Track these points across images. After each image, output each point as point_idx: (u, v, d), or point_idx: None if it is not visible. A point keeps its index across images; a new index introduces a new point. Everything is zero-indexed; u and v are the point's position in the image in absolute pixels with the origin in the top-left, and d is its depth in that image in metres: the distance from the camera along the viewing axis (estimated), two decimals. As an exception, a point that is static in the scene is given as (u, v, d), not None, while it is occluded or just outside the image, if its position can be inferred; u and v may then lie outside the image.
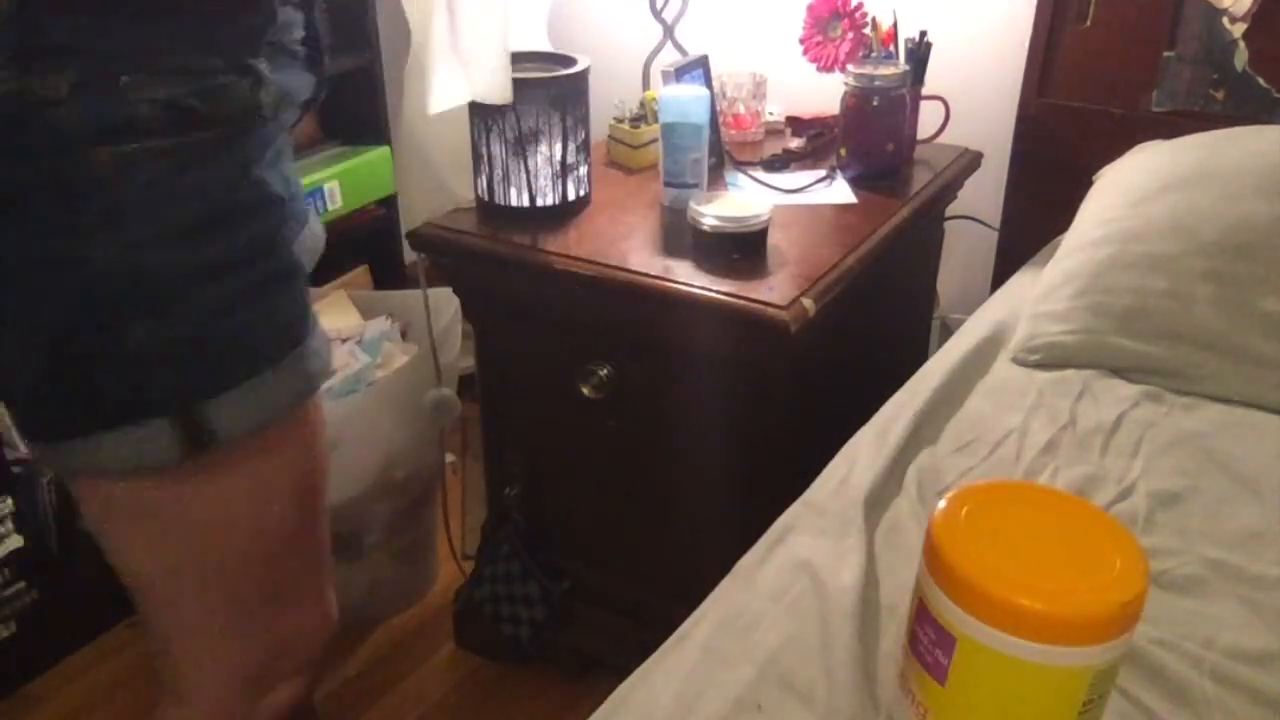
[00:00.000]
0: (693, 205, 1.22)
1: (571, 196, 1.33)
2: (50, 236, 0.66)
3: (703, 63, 1.50)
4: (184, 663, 0.90)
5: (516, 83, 1.22)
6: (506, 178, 1.29)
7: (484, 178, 1.31)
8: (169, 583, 0.84)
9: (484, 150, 1.28)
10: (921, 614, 0.62)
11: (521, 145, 1.26)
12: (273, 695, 0.91)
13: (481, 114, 1.25)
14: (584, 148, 1.32)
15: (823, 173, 1.48)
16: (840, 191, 1.44)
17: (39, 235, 0.66)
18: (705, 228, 1.20)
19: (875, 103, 1.42)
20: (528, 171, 1.28)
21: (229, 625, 0.87)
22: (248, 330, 0.73)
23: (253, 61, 0.72)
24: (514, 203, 1.31)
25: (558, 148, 1.28)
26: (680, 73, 1.43)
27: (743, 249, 1.21)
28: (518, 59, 1.27)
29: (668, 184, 1.35)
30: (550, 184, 1.31)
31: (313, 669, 0.95)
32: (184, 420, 0.72)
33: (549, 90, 1.24)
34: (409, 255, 1.47)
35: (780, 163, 1.52)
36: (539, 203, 1.31)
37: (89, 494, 0.80)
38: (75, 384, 0.70)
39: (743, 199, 1.30)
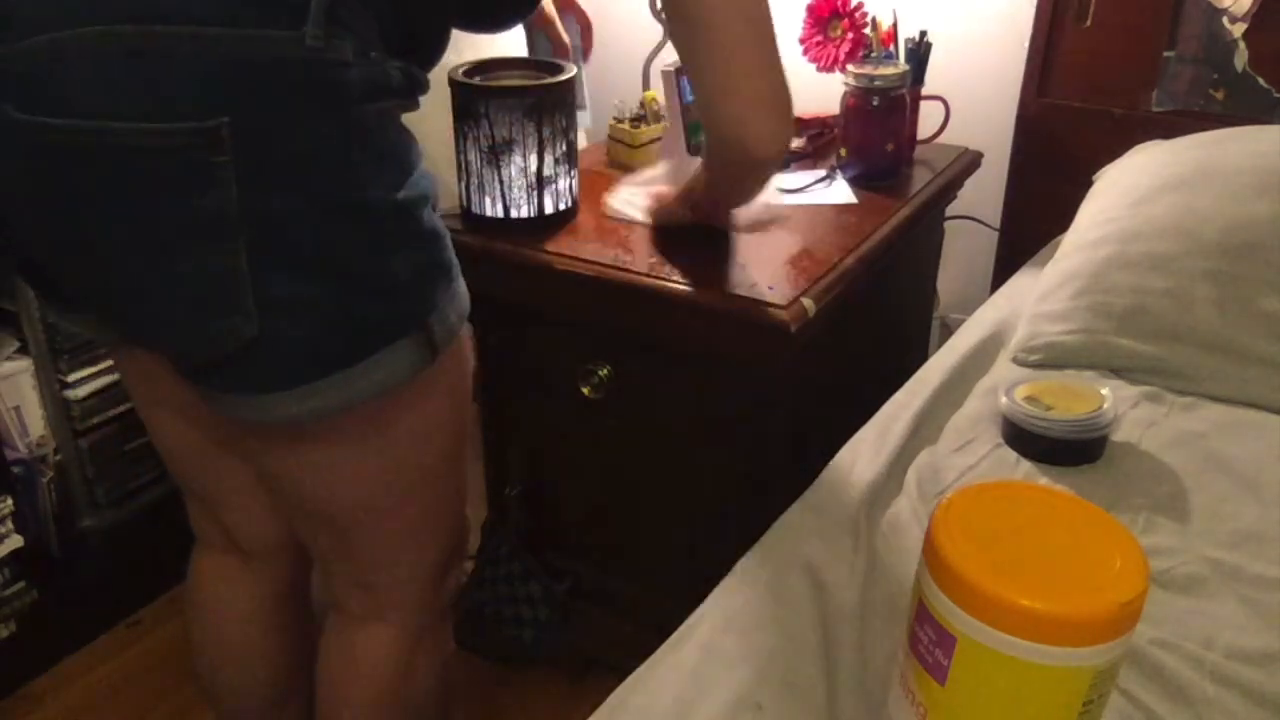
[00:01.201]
0: None
1: (549, 210, 1.28)
2: (339, 184, 0.75)
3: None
4: (383, 577, 1.00)
5: (489, 90, 1.20)
6: (482, 187, 1.26)
7: (463, 184, 1.29)
8: (381, 500, 0.93)
9: (462, 157, 1.26)
10: (921, 614, 0.62)
11: (495, 155, 1.22)
12: (449, 581, 1.06)
13: (460, 120, 1.23)
14: (566, 160, 1.27)
15: (823, 173, 1.48)
16: (840, 191, 1.44)
17: (331, 182, 0.74)
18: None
19: (875, 103, 1.42)
20: (501, 182, 1.24)
21: (426, 525, 0.98)
22: (447, 250, 0.85)
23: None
24: (489, 212, 1.27)
25: (533, 159, 1.23)
26: (680, 72, 1.43)
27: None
28: (503, 65, 1.26)
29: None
30: (525, 196, 1.26)
31: (465, 554, 1.09)
32: (423, 333, 0.82)
33: (523, 99, 1.19)
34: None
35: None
36: (513, 214, 1.27)
37: (295, 443, 0.87)
38: (350, 317, 0.78)
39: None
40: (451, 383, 0.92)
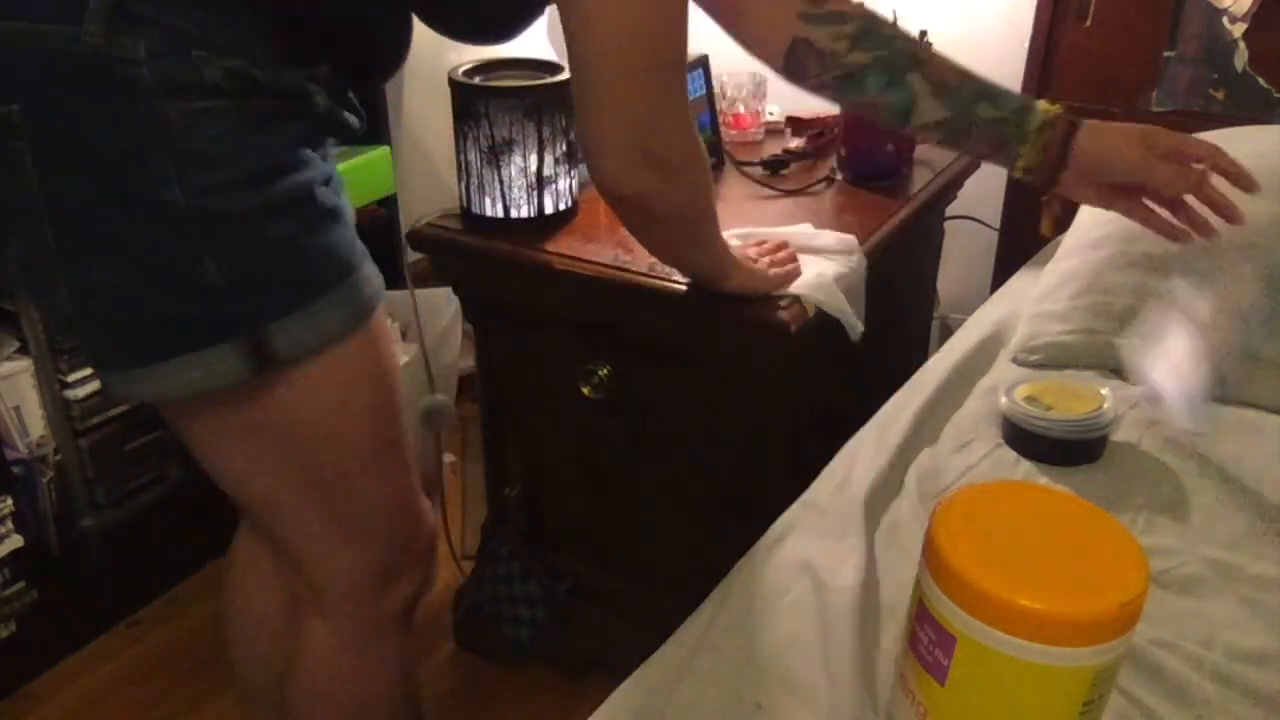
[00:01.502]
0: None
1: (549, 210, 1.28)
2: (130, 178, 0.74)
3: (703, 63, 1.50)
4: (313, 571, 1.00)
5: (489, 90, 1.20)
6: (482, 187, 1.26)
7: (464, 184, 1.29)
8: (272, 497, 0.94)
9: (462, 157, 1.26)
10: (921, 614, 0.62)
11: (495, 155, 1.22)
12: (394, 591, 1.04)
13: (460, 120, 1.24)
14: (566, 160, 1.27)
15: (823, 173, 1.48)
16: (840, 192, 1.44)
17: (120, 176, 0.75)
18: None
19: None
20: (501, 182, 1.25)
21: (347, 527, 0.97)
22: (302, 263, 0.82)
23: (311, 64, 0.82)
24: (489, 212, 1.27)
25: (533, 159, 1.23)
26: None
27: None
28: (503, 65, 1.26)
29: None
30: (525, 196, 1.26)
31: (426, 565, 1.07)
32: (250, 343, 0.80)
33: (523, 99, 1.19)
34: (410, 255, 1.47)
35: (780, 163, 1.52)
36: (513, 214, 1.27)
37: (178, 420, 0.90)
38: (154, 312, 0.79)
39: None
40: (342, 389, 0.89)
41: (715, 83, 1.54)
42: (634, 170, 0.89)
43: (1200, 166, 1.01)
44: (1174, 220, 1.04)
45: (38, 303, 0.80)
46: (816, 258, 1.22)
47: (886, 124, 1.04)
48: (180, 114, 0.74)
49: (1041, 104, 1.02)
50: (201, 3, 0.75)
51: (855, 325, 1.20)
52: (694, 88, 1.45)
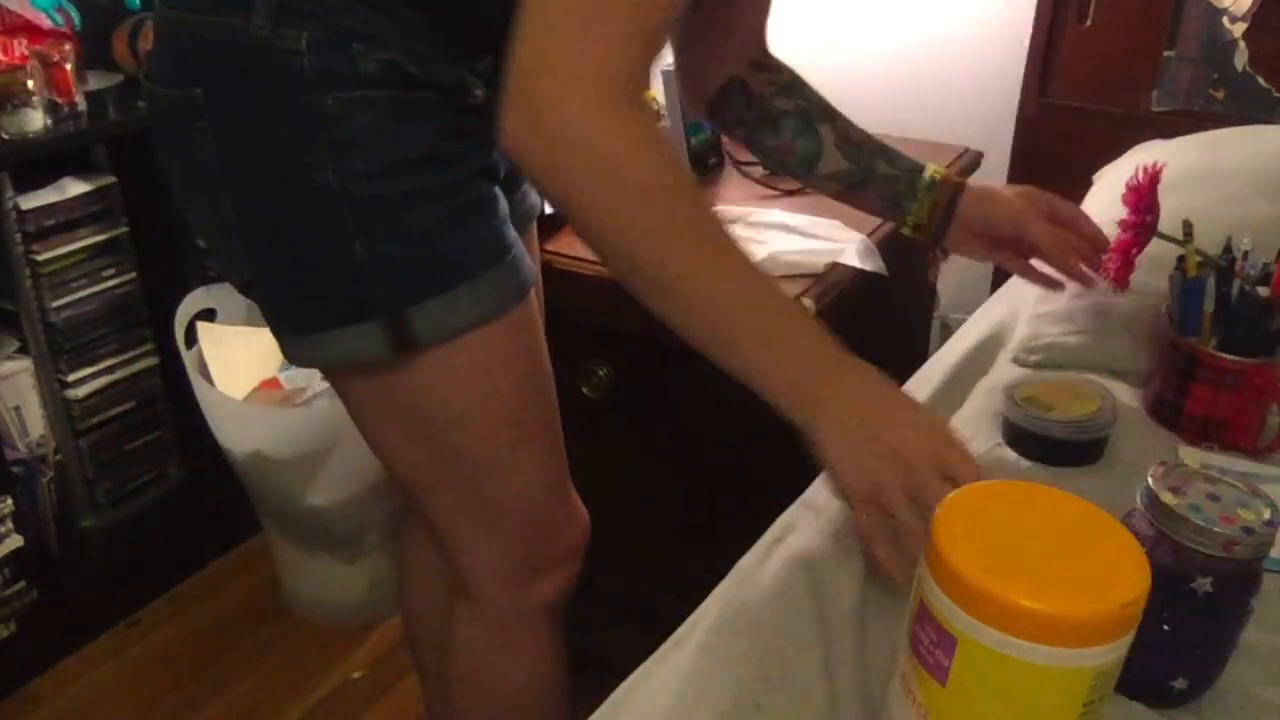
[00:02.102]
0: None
1: (550, 210, 1.27)
2: (289, 162, 0.79)
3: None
4: (460, 556, 1.01)
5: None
6: None
7: None
8: (414, 476, 0.97)
9: None
10: (922, 614, 0.62)
11: None
12: (536, 587, 1.03)
13: None
14: None
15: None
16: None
17: (281, 160, 0.80)
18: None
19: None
20: None
21: (485, 514, 0.98)
22: (445, 250, 0.84)
23: (472, 58, 0.84)
24: None
25: None
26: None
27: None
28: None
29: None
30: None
31: (574, 562, 1.06)
32: (391, 324, 0.83)
33: None
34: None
35: None
36: None
37: (338, 387, 0.95)
38: (311, 287, 0.84)
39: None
40: (481, 376, 0.91)
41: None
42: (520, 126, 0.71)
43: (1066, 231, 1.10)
44: (1051, 274, 1.14)
45: (219, 265, 0.90)
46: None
47: (792, 170, 1.11)
48: (336, 103, 0.78)
49: (932, 167, 1.10)
50: (364, 0, 0.78)
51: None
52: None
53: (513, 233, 0.90)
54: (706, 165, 1.52)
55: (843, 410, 0.78)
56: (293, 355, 0.90)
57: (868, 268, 1.22)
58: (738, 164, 1.51)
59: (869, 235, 1.29)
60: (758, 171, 1.49)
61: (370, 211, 0.81)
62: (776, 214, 1.33)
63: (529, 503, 1.00)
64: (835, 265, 1.22)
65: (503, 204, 0.90)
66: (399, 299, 0.83)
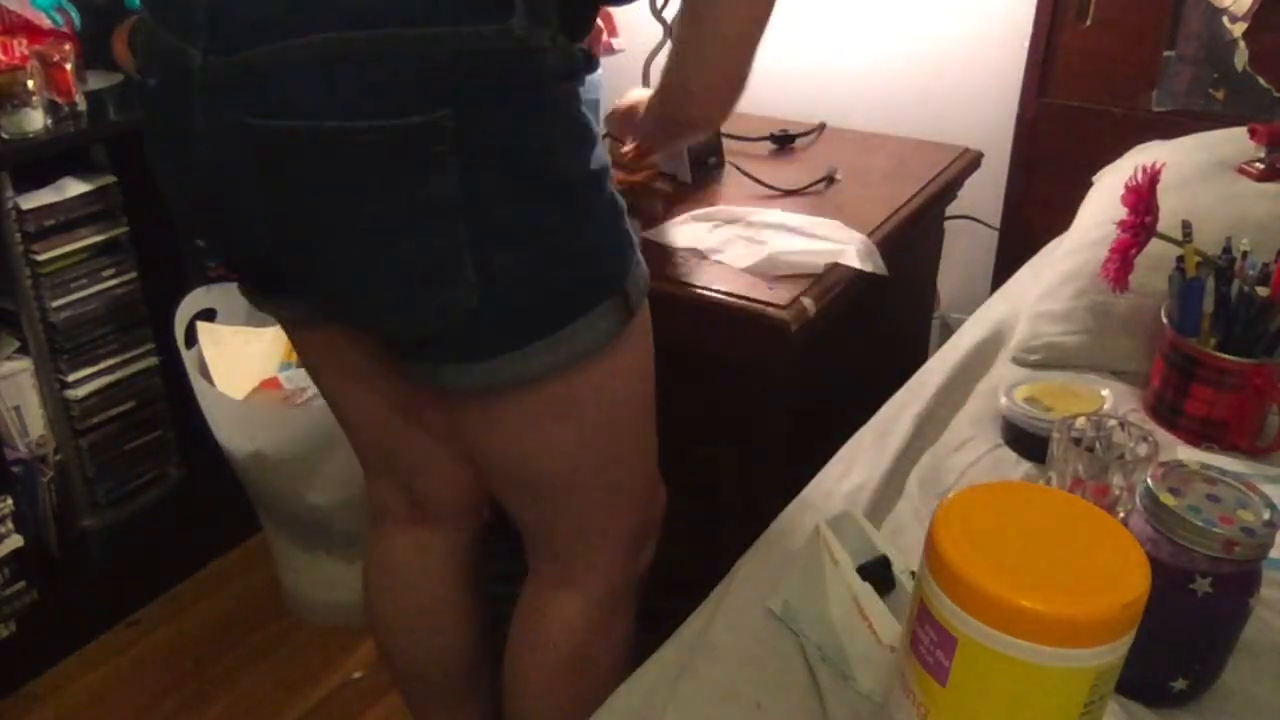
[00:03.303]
0: None
1: None
2: (536, 162, 0.78)
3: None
4: (575, 544, 1.02)
5: None
6: None
7: None
8: (578, 468, 0.96)
9: None
10: (922, 614, 0.62)
11: None
12: (641, 557, 1.07)
13: None
14: None
15: (822, 173, 1.48)
16: (840, 192, 1.44)
17: (529, 161, 0.78)
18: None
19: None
20: None
21: (620, 495, 1.00)
22: (625, 216, 0.87)
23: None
24: None
25: None
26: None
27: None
28: None
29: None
30: None
31: (657, 533, 1.10)
32: (621, 297, 0.85)
33: None
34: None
35: (787, 137, 1.51)
36: None
37: (508, 405, 0.89)
38: (557, 284, 0.82)
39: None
40: (638, 353, 0.94)
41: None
42: (730, 107, 0.90)
43: None
44: None
45: (421, 303, 0.81)
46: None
47: None
48: (565, 95, 0.80)
49: None
50: None
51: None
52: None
53: None
54: (706, 165, 1.51)
55: None
56: (524, 368, 0.84)
57: (867, 268, 1.22)
58: (738, 164, 1.51)
59: (869, 235, 1.29)
60: (758, 171, 1.49)
61: (596, 192, 0.83)
62: (776, 214, 1.33)
63: (646, 477, 1.04)
64: (835, 265, 1.22)
65: None
66: (622, 271, 0.86)
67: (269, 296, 0.97)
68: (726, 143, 1.57)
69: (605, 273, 0.85)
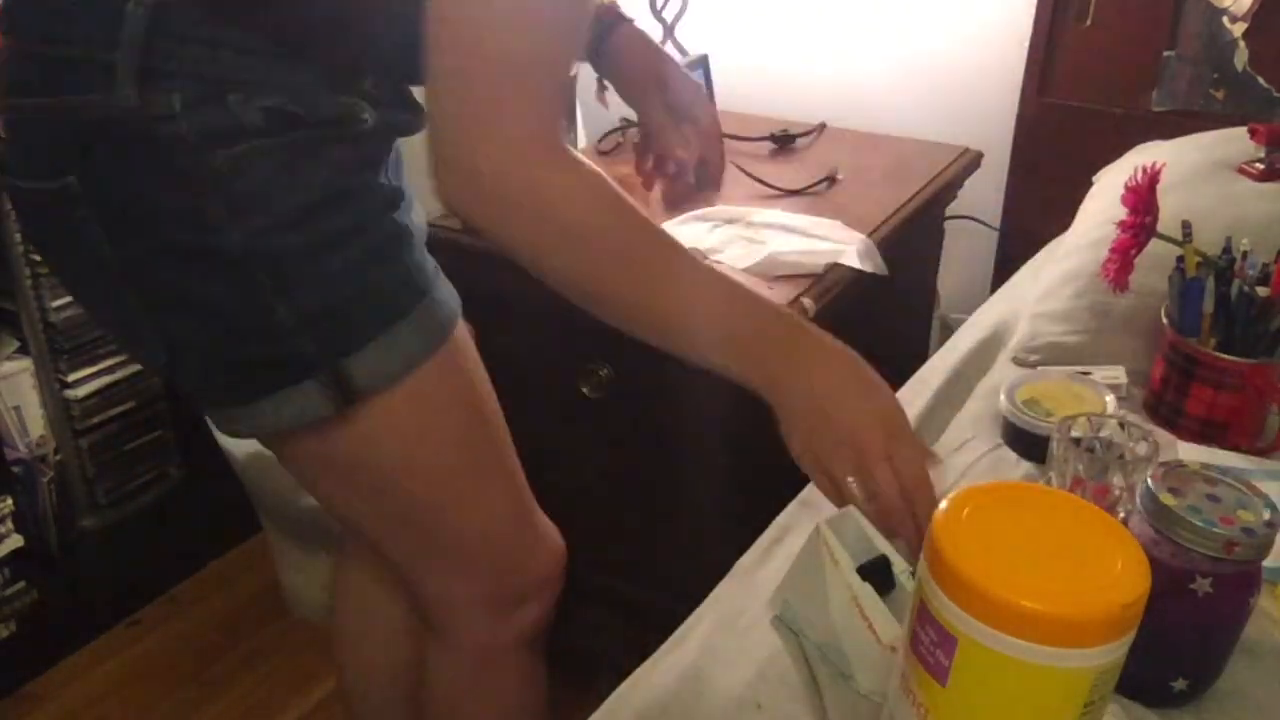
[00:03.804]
0: None
1: None
2: (189, 233, 0.75)
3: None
4: (428, 595, 1.00)
5: None
6: None
7: None
8: (373, 529, 0.95)
9: None
10: (922, 614, 0.62)
11: None
12: (517, 615, 1.01)
13: None
14: None
15: (823, 173, 1.48)
16: (840, 192, 1.44)
17: (180, 233, 0.75)
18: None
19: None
20: None
21: (454, 561, 0.96)
22: (370, 293, 0.81)
23: (352, 82, 0.79)
24: None
25: None
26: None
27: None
28: None
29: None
30: None
31: (549, 590, 1.04)
32: (331, 378, 0.80)
33: None
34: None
35: (788, 137, 1.51)
36: None
37: (278, 452, 0.90)
38: (238, 357, 0.80)
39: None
40: (425, 417, 0.87)
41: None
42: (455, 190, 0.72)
43: None
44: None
45: (133, 356, 0.86)
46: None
47: None
48: (225, 160, 0.73)
49: None
50: (228, 44, 0.72)
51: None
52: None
53: (430, 259, 0.87)
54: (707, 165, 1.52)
55: (794, 379, 0.82)
56: (229, 428, 0.85)
57: (867, 268, 1.22)
58: (738, 164, 1.51)
59: (869, 235, 1.29)
60: (758, 171, 1.49)
61: (285, 266, 0.77)
62: (776, 214, 1.33)
63: (492, 537, 0.98)
64: (835, 265, 1.22)
65: (415, 230, 0.86)
66: (333, 352, 0.80)
67: None
68: (727, 142, 1.57)
69: (295, 353, 0.79)
